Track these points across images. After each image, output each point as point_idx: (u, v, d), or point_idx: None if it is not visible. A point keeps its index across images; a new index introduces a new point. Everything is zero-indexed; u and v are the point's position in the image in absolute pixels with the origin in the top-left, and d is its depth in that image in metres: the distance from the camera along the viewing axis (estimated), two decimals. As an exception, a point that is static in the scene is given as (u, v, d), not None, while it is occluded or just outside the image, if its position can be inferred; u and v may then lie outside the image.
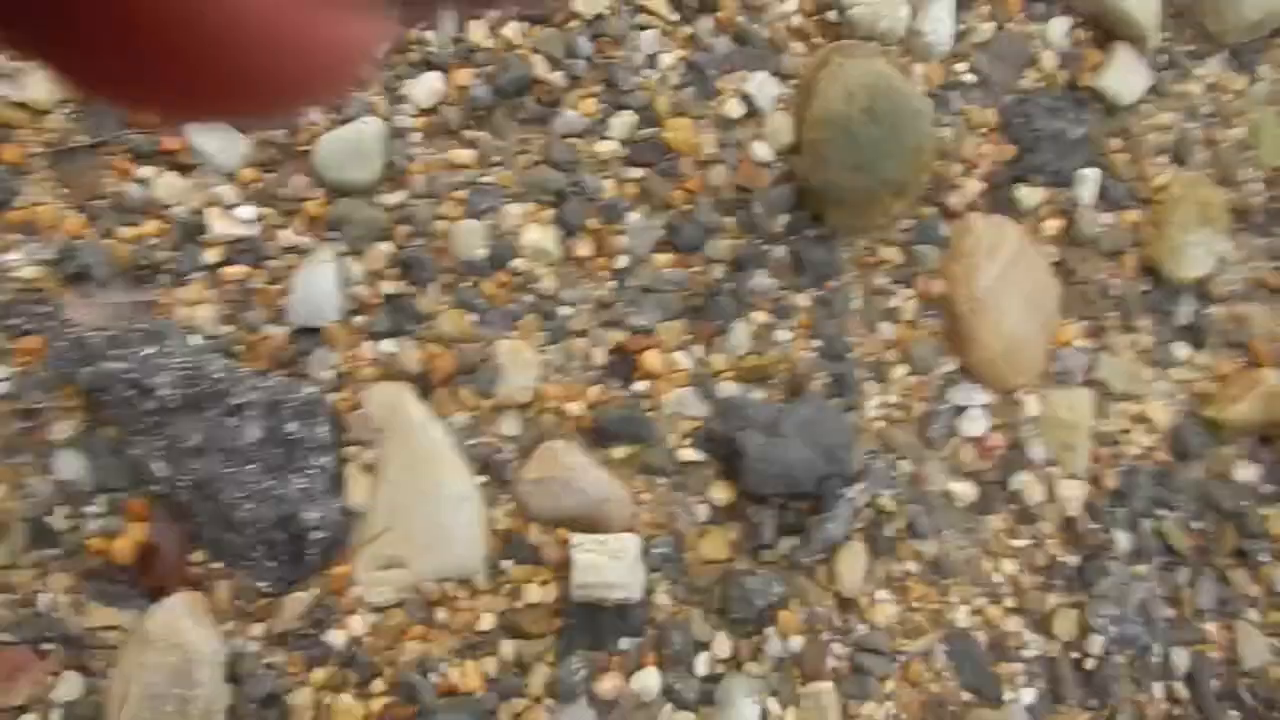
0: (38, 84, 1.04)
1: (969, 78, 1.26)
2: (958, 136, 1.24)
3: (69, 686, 0.95)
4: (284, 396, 1.01)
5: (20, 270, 1.01)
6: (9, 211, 1.03)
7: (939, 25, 1.23)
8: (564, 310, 1.06)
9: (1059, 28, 1.29)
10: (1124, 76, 1.29)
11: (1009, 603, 1.17)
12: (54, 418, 0.99)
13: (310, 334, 1.01)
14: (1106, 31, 1.30)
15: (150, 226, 1.04)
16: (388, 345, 1.02)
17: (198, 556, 1.00)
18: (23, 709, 0.94)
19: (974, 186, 1.23)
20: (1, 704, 0.92)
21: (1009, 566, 1.18)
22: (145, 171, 1.05)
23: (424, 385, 1.02)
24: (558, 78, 1.12)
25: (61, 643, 0.96)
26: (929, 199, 1.21)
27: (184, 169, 1.06)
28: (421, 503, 1.03)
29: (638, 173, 1.12)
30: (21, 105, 1.04)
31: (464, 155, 1.07)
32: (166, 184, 1.05)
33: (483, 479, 1.03)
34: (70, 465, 0.98)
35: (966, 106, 1.25)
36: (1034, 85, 1.28)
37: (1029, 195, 1.24)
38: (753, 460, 1.01)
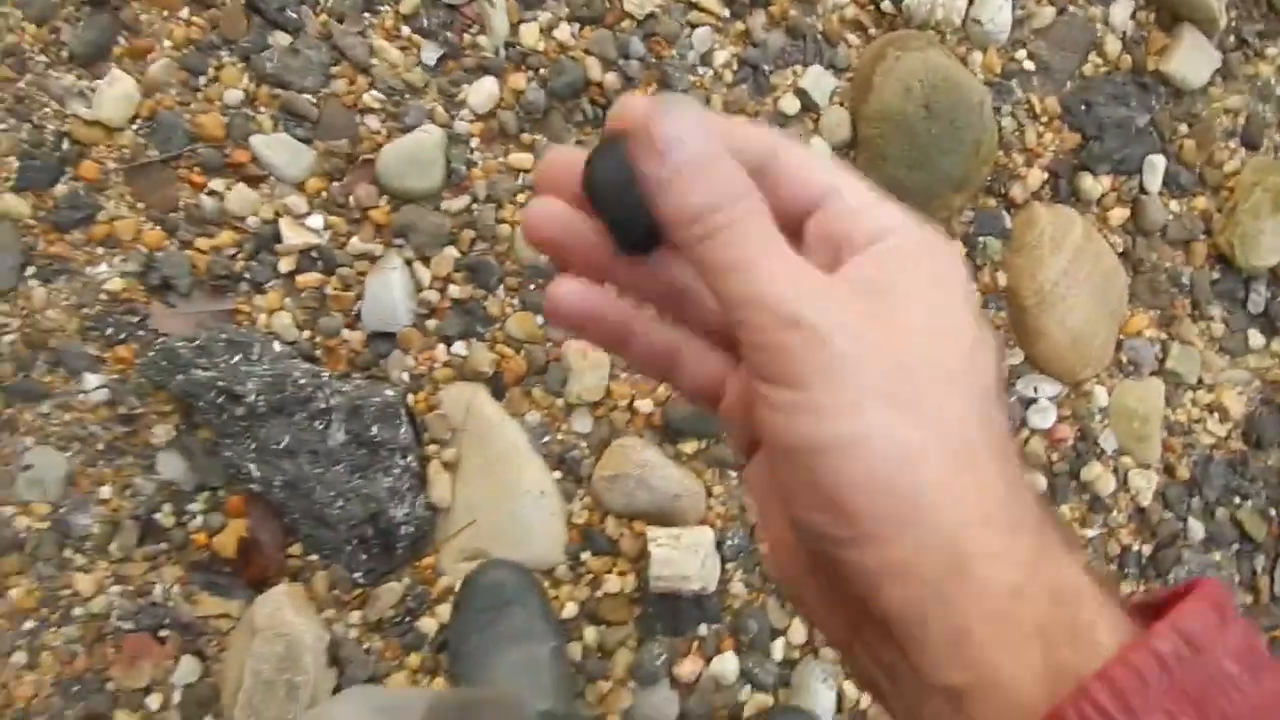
0: (109, 102, 1.33)
1: (1029, 65, 1.50)
2: (1019, 126, 1.50)
3: (186, 670, 1.22)
4: (364, 400, 1.30)
5: (108, 282, 1.30)
6: (93, 226, 1.32)
7: (998, 12, 1.45)
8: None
9: (1122, 10, 1.54)
10: (1190, 60, 1.52)
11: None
12: (152, 422, 1.28)
13: (385, 338, 1.32)
14: (1172, 13, 1.55)
15: (225, 237, 1.30)
16: (459, 348, 1.32)
17: (295, 550, 1.26)
18: (147, 690, 1.23)
19: (1037, 177, 1.48)
20: (127, 686, 1.22)
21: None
22: (216, 184, 1.32)
23: (496, 386, 1.32)
24: (612, 78, 1.38)
25: (177, 630, 1.23)
26: (991, 190, 1.46)
27: (253, 180, 1.32)
28: (501, 498, 1.32)
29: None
30: (95, 123, 1.30)
31: (522, 159, 1.36)
32: (238, 196, 1.30)
33: (558, 475, 1.32)
34: (171, 465, 1.25)
35: (1028, 95, 1.52)
36: (1097, 72, 1.55)
37: (1094, 185, 1.50)
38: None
